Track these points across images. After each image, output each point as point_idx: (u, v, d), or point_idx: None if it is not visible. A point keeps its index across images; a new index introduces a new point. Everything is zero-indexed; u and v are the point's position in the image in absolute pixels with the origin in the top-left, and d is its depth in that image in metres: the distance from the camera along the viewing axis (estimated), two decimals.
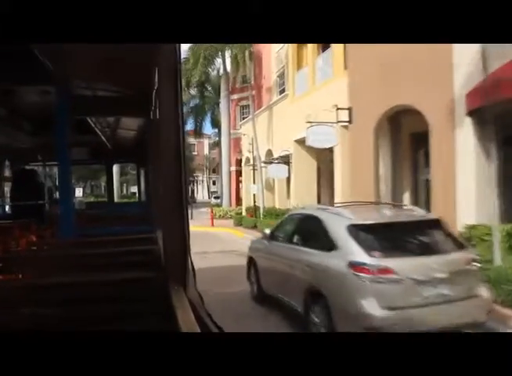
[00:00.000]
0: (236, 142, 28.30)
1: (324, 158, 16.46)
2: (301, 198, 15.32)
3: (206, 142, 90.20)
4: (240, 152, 22.83)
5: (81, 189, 33.82)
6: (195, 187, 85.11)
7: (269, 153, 19.30)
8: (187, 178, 2.15)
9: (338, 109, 10.78)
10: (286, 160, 16.62)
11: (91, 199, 30.62)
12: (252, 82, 23.29)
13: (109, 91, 4.30)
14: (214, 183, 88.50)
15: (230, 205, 26.87)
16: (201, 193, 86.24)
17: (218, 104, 43.65)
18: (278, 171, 16.59)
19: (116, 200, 21.73)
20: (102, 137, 6.50)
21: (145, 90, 3.58)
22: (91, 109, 4.72)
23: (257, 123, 19.55)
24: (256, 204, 19.35)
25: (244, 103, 29.80)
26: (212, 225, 21.16)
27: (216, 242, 15.74)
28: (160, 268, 2.41)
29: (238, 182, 29.43)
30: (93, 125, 5.73)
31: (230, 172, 27.73)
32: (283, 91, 20.28)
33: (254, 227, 17.74)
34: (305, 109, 14.59)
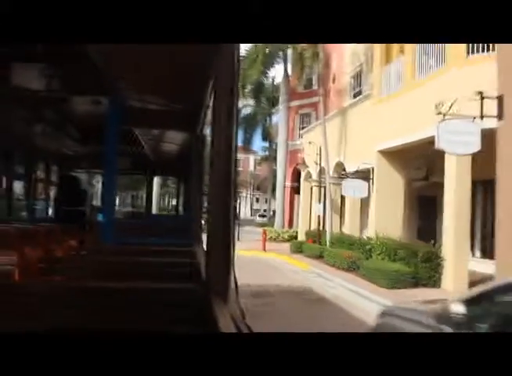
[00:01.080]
0: (293, 155, 24.89)
1: (417, 173, 12.78)
2: (384, 225, 12.16)
3: (252, 158, 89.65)
4: (299, 165, 19.27)
5: (118, 199, 33.89)
6: (237, 204, 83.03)
7: (339, 166, 15.82)
8: (236, 195, 2.26)
9: (483, 97, 7.10)
10: (364, 175, 13.03)
11: (129, 209, 30.54)
12: (318, 86, 19.95)
13: (159, 104, 4.34)
14: (257, 200, 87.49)
15: (283, 226, 23.20)
16: (243, 211, 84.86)
17: (270, 115, 41.63)
18: (356, 189, 13.11)
19: (155, 212, 21.42)
20: (146, 149, 6.77)
21: (194, 105, 3.78)
22: (141, 121, 4.88)
23: (321, 132, 16.47)
24: (320, 227, 15.81)
25: (305, 110, 26.71)
26: (264, 249, 17.66)
27: (272, 273, 12.97)
28: (200, 280, 2.48)
29: (292, 200, 25.85)
30: (138, 136, 5.93)
31: (284, 188, 24.07)
32: (358, 94, 16.84)
33: (320, 257, 14.22)
34: (398, 111, 12.21)
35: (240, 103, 39.55)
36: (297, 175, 26.33)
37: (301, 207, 21.22)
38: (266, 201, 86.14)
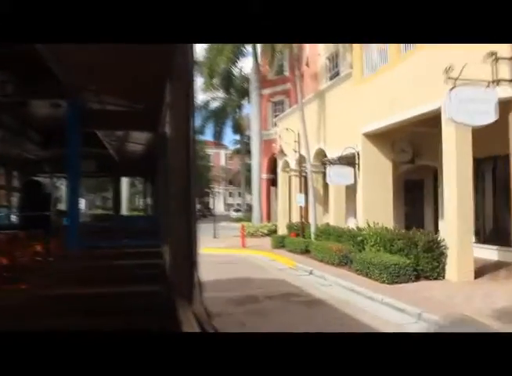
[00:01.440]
0: (268, 146, 23.82)
1: (403, 156, 11.99)
2: (374, 213, 11.63)
3: (222, 152, 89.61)
4: (276, 154, 18.11)
5: (84, 202, 33.30)
6: (211, 199, 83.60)
7: (319, 154, 14.78)
8: (195, 192, 2.13)
9: (498, 58, 6.12)
10: (349, 161, 12.13)
11: (99, 211, 30.91)
12: (291, 71, 18.92)
13: (119, 105, 4.44)
14: (230, 195, 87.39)
15: (261, 221, 22.12)
16: (217, 206, 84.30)
17: (240, 107, 40.47)
18: (341, 176, 12.13)
19: (127, 212, 21.91)
20: (110, 150, 6.77)
21: (154, 104, 3.74)
22: (102, 122, 4.86)
23: (298, 117, 15.39)
24: (303, 220, 14.81)
25: (278, 98, 25.54)
26: (243, 246, 16.56)
27: (255, 273, 11.77)
28: (165, 282, 2.44)
29: (269, 192, 24.79)
30: (101, 138, 5.92)
31: (260, 181, 22.97)
32: (335, 76, 15.89)
33: (305, 252, 13.22)
34: (382, 89, 11.43)
35: (209, 96, 38.30)
36: (273, 166, 25.29)
37: (280, 199, 20.18)
38: (240, 195, 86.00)
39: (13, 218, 7.80)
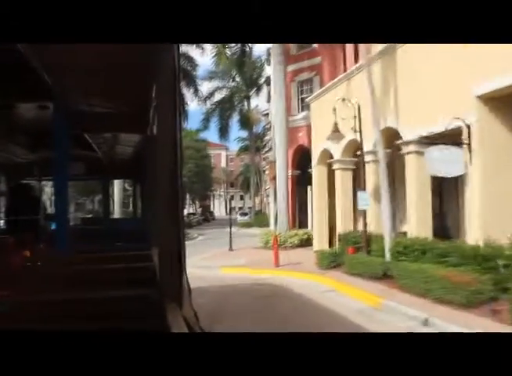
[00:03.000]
0: (292, 135, 19.23)
1: None
2: (502, 217, 7.59)
3: (223, 153, 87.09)
4: (331, 134, 12.30)
5: (73, 205, 33.48)
6: (211, 203, 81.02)
7: (388, 134, 10.24)
8: (183, 195, 2.40)
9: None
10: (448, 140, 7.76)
11: (90, 214, 31.05)
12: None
13: (106, 107, 4.44)
14: (232, 198, 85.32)
15: (289, 228, 17.76)
16: (218, 209, 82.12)
17: (248, 98, 35.91)
18: (448, 163, 7.59)
19: (119, 214, 21.71)
20: (99, 153, 6.90)
21: (142, 107, 3.85)
22: (89, 125, 4.99)
23: (357, 84, 11.50)
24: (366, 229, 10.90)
25: (304, 76, 20.77)
26: (277, 264, 12.00)
27: (324, 321, 7.21)
28: (155, 285, 2.46)
29: (293, 193, 20.22)
30: (89, 141, 6.03)
31: (288, 178, 18.48)
32: None
33: (385, 277, 8.60)
34: None
35: (212, 86, 34.19)
36: (298, 161, 20.76)
37: (315, 200, 15.73)
38: (242, 198, 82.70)
39: (1, 223, 7.82)
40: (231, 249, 18.15)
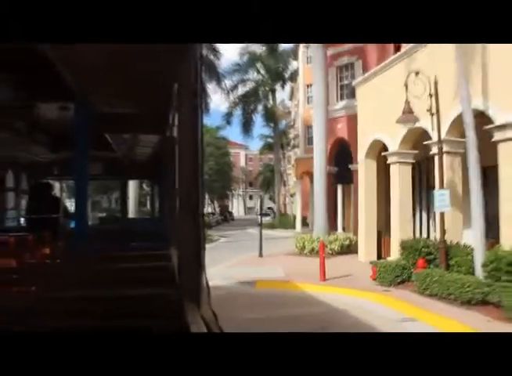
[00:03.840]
0: (330, 126, 17.03)
1: None
2: None
3: (242, 152, 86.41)
4: (403, 116, 9.30)
5: (95, 204, 33.79)
6: (230, 203, 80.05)
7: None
8: (203, 194, 2.29)
9: None
10: None
11: (110, 213, 30.57)
12: None
13: (127, 108, 4.53)
14: (251, 198, 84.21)
15: (327, 232, 15.72)
16: (237, 209, 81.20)
17: (273, 91, 33.91)
18: None
19: (137, 215, 21.81)
20: (118, 153, 7.04)
21: (162, 108, 3.98)
22: (110, 126, 5.14)
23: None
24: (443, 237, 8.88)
25: (345, 60, 18.51)
26: (323, 278, 10.46)
27: None
28: (174, 285, 2.57)
29: (329, 192, 17.99)
30: (109, 141, 6.20)
31: (326, 176, 16.31)
32: None
33: (483, 302, 6.34)
34: None
35: (236, 78, 32.55)
36: (335, 156, 18.59)
37: (362, 200, 13.55)
38: (266, 198, 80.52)
39: (22, 220, 7.99)
40: (261, 255, 15.72)
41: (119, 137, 6.20)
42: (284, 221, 35.09)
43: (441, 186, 9.21)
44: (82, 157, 4.44)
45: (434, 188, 9.67)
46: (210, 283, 2.39)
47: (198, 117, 2.08)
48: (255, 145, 56.53)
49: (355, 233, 15.48)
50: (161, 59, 2.54)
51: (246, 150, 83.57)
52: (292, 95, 41.69)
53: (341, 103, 18.78)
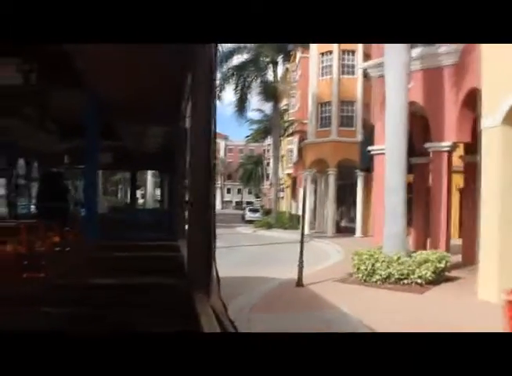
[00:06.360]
0: None
1: None
2: None
3: (222, 143, 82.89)
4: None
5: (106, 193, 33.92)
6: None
7: None
8: (215, 187, 2.26)
9: None
10: None
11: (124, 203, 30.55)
12: None
13: (139, 99, 4.59)
14: (228, 191, 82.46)
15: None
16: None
17: (275, 63, 28.97)
18: None
19: (154, 205, 22.58)
20: (129, 143, 7.22)
21: (175, 99, 4.11)
22: (121, 116, 5.19)
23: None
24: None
25: None
26: None
27: None
28: (183, 275, 2.64)
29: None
30: (120, 132, 6.32)
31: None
32: None
33: None
34: None
35: (231, 45, 27.14)
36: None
37: (497, 192, 8.39)
38: (239, 192, 78.64)
39: (32, 208, 8.11)
40: (300, 284, 9.53)
41: (130, 128, 6.28)
42: (283, 219, 29.70)
43: None
44: (93, 147, 4.55)
45: None
46: None
47: (212, 108, 2.09)
48: (237, 134, 54.71)
49: (445, 248, 11.40)
50: (175, 49, 2.54)
51: (225, 140, 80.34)
52: (296, 67, 34.44)
53: (415, 51, 11.83)
